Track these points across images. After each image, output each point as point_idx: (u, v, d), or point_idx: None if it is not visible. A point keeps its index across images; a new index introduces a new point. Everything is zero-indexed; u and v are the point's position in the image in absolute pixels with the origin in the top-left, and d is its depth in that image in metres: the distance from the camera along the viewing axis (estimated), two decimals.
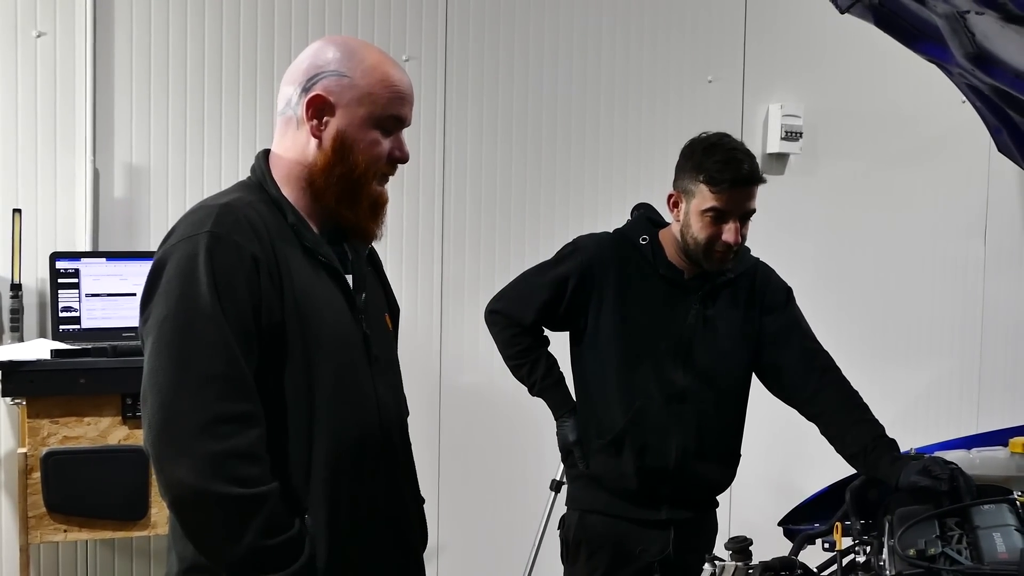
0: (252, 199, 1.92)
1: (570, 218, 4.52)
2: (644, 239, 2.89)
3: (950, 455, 2.69)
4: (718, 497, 3.03)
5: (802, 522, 2.91)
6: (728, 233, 2.76)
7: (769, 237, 4.93)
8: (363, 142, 1.96)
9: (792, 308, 3.08)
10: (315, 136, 1.95)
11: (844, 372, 5.06)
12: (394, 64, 2.01)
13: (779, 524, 2.97)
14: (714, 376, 2.88)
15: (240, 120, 4.11)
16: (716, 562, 2.45)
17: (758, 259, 3.05)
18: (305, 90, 1.95)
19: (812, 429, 4.84)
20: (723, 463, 2.97)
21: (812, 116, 4.93)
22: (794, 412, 4.84)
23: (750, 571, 2.36)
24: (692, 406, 2.85)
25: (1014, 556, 2.00)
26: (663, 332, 2.85)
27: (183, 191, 4.01)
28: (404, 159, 2.04)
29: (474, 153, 4.47)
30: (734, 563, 2.42)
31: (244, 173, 2.05)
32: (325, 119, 1.94)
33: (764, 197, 4.82)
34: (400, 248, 4.37)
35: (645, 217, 2.99)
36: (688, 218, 2.79)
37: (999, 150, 2.63)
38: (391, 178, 2.03)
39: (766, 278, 3.04)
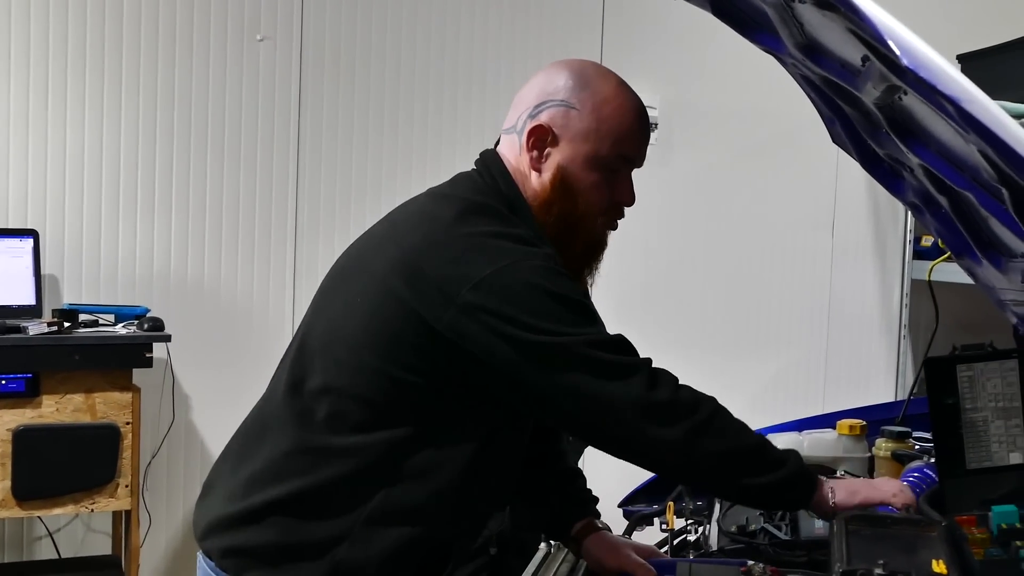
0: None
1: None
2: None
3: (781, 438, 2.76)
4: None
5: (642, 504, 2.95)
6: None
7: (622, 227, 4.98)
8: (584, 183, 1.84)
9: None
10: (535, 169, 1.84)
11: (697, 360, 5.16)
12: (632, 97, 1.89)
13: (619, 506, 3.00)
14: None
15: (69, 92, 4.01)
16: (552, 541, 2.47)
17: None
18: (532, 116, 1.84)
19: None
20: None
21: (667, 108, 4.98)
22: None
23: None
24: None
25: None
26: None
27: None
28: (629, 203, 1.93)
29: (329, 134, 4.42)
30: None
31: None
32: (547, 151, 1.83)
33: None
34: (252, 230, 4.32)
35: None
36: None
37: (833, 141, 2.66)
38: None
39: None
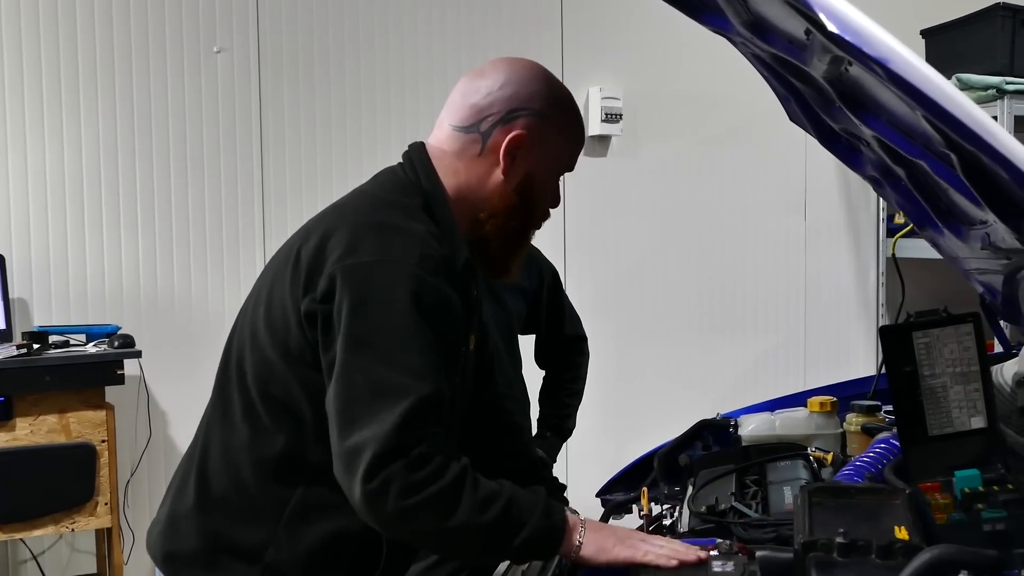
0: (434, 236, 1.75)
1: None
2: None
3: (754, 418, 2.76)
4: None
5: (619, 492, 2.95)
6: None
7: (594, 219, 5.01)
8: (545, 191, 1.88)
9: (561, 288, 3.24)
10: (503, 174, 1.83)
11: (674, 348, 5.17)
12: (576, 105, 1.93)
13: (596, 495, 3.00)
14: (504, 347, 2.95)
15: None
16: None
17: None
18: (504, 121, 1.82)
19: (645, 405, 4.99)
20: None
21: (631, 98, 4.99)
22: (626, 389, 4.97)
23: None
24: None
25: None
26: None
27: None
28: (557, 204, 1.96)
29: (293, 142, 4.41)
30: None
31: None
32: (518, 159, 1.83)
33: (588, 179, 4.95)
34: (220, 242, 4.30)
35: None
36: None
37: (790, 119, 2.66)
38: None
39: (540, 256, 3.17)
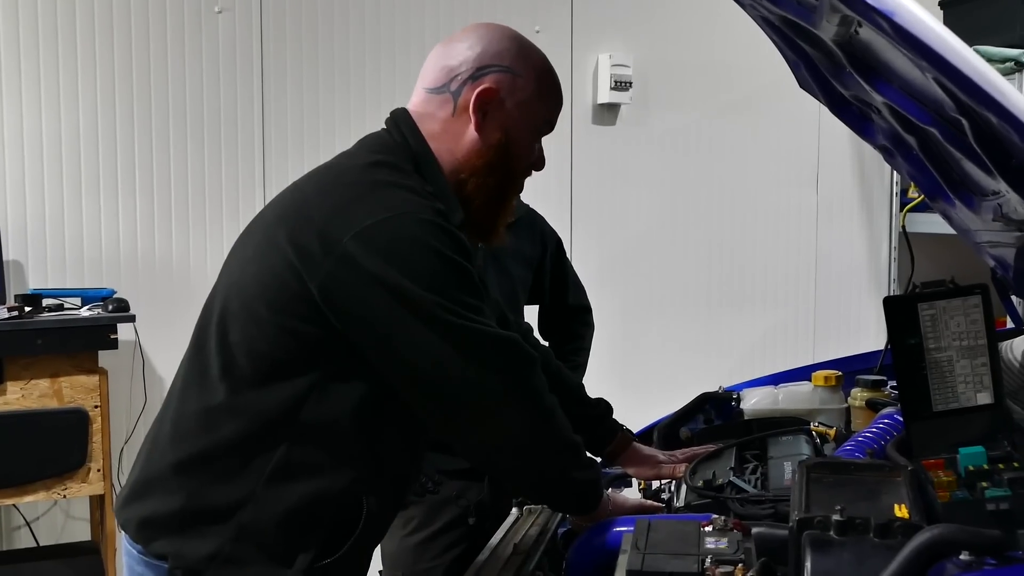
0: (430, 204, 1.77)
1: None
2: None
3: (758, 392, 2.72)
4: None
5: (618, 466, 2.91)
6: None
7: (602, 187, 4.95)
8: (522, 147, 1.89)
9: (564, 257, 3.19)
10: (477, 131, 1.84)
11: (681, 321, 5.14)
12: (553, 68, 1.94)
13: None
14: (510, 310, 2.89)
15: None
16: (524, 506, 2.43)
17: (529, 205, 3.07)
18: (473, 78, 1.83)
19: (650, 378, 4.94)
20: None
21: (642, 66, 4.91)
22: (631, 362, 4.92)
23: (555, 513, 2.33)
24: None
25: None
26: None
27: None
28: (541, 168, 1.97)
29: (294, 104, 4.34)
30: (541, 506, 2.40)
31: None
32: (491, 114, 1.84)
33: (596, 147, 4.89)
34: (220, 206, 4.24)
35: None
36: None
37: (800, 86, 2.62)
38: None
39: (544, 224, 3.12)
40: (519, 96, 1.85)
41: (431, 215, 1.71)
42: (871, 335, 5.56)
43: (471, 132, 1.84)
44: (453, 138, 1.85)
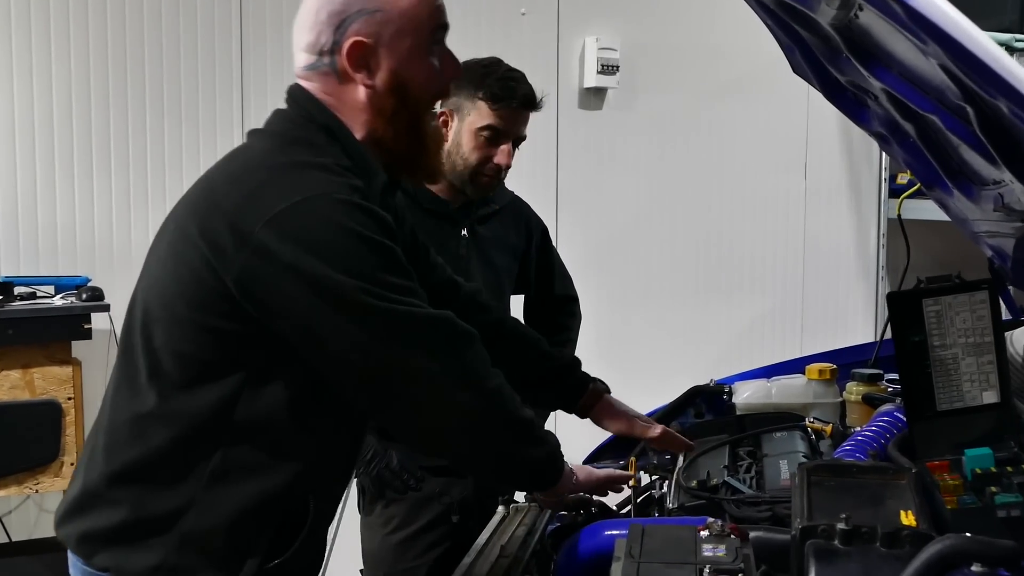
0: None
1: None
2: None
3: (749, 385, 2.66)
4: None
5: (608, 460, 2.86)
6: (501, 155, 2.69)
7: (587, 174, 4.89)
8: (420, 76, 1.78)
9: (551, 245, 3.12)
10: (366, 87, 1.75)
11: (669, 308, 5.08)
12: None
13: (583, 463, 2.90)
14: (496, 301, 2.83)
15: None
16: (512, 504, 2.37)
17: (514, 192, 3.00)
18: (337, 42, 1.74)
19: (636, 368, 4.88)
20: None
21: (629, 49, 4.85)
22: (617, 351, 4.86)
23: (543, 511, 2.28)
24: None
25: None
26: None
27: None
28: (459, 73, 1.87)
29: (275, 83, 4.24)
30: (527, 504, 2.34)
31: None
32: (372, 65, 1.75)
33: (582, 132, 4.83)
34: None
35: None
36: (459, 137, 2.69)
37: (794, 71, 2.57)
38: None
39: (529, 211, 3.04)
40: (390, 29, 1.74)
41: (347, 193, 1.64)
42: (859, 322, 5.54)
43: (362, 90, 1.76)
44: (351, 102, 1.77)
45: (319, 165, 1.67)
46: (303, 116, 1.78)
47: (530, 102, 2.70)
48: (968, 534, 1.33)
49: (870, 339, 5.62)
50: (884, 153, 5.39)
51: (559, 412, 3.08)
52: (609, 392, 2.33)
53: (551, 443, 1.85)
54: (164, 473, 1.68)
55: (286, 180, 1.63)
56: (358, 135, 1.77)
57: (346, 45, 1.73)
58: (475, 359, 1.71)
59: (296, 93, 1.81)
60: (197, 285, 1.64)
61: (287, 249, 1.57)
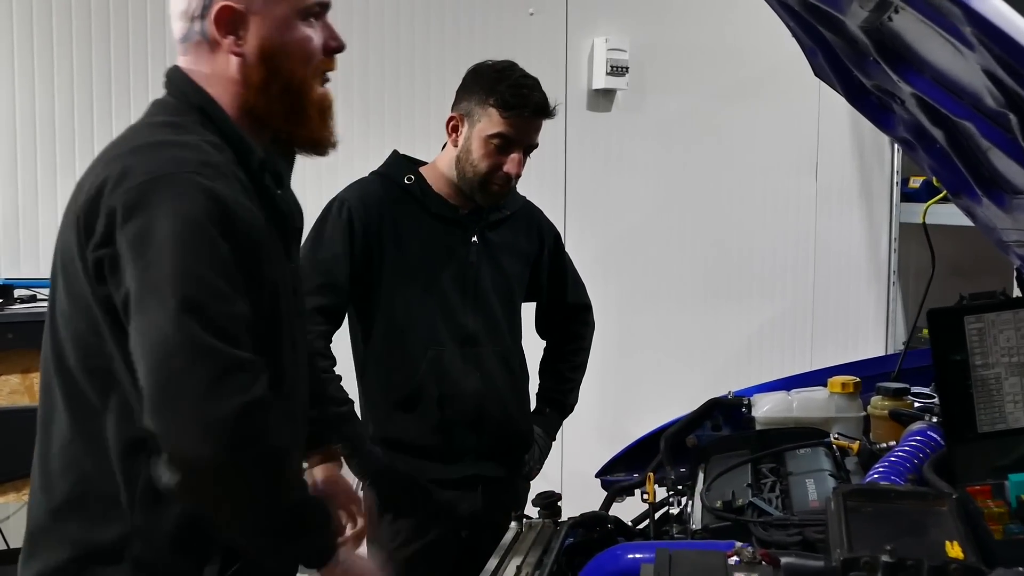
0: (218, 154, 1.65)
1: (385, 150, 4.30)
2: (409, 178, 2.73)
3: (769, 397, 2.60)
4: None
5: (620, 473, 2.80)
6: (511, 164, 2.63)
7: (596, 177, 4.83)
8: (293, 43, 1.72)
9: (563, 252, 3.04)
10: (236, 54, 1.70)
11: (679, 314, 5.01)
12: None
13: (596, 476, 2.86)
14: (503, 315, 2.79)
15: None
16: (524, 519, 2.31)
17: (526, 197, 2.92)
18: (205, 8, 1.70)
19: (647, 373, 4.82)
20: (522, 405, 2.88)
21: (638, 50, 4.77)
22: (627, 356, 4.80)
23: (557, 527, 2.21)
24: (486, 348, 2.74)
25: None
26: (447, 275, 2.70)
27: None
28: (340, 47, 1.81)
29: None
30: (541, 520, 2.28)
31: None
32: (241, 32, 1.70)
33: (591, 134, 4.76)
34: None
35: (402, 156, 2.82)
36: (469, 143, 2.64)
37: (815, 74, 2.52)
38: None
39: (542, 217, 2.97)
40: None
41: (194, 173, 1.57)
42: (870, 327, 5.49)
43: (233, 60, 1.71)
44: (223, 74, 1.72)
45: (179, 143, 1.64)
46: (179, 100, 1.75)
47: (542, 110, 2.63)
48: (1021, 568, 1.26)
49: (881, 344, 5.58)
50: (897, 157, 5.34)
51: (569, 425, 3.05)
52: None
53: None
54: (98, 503, 1.63)
55: (143, 159, 1.60)
56: (231, 110, 1.72)
57: (215, 9, 1.68)
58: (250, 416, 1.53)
59: (172, 76, 1.77)
60: (86, 297, 1.60)
61: (127, 230, 1.53)
